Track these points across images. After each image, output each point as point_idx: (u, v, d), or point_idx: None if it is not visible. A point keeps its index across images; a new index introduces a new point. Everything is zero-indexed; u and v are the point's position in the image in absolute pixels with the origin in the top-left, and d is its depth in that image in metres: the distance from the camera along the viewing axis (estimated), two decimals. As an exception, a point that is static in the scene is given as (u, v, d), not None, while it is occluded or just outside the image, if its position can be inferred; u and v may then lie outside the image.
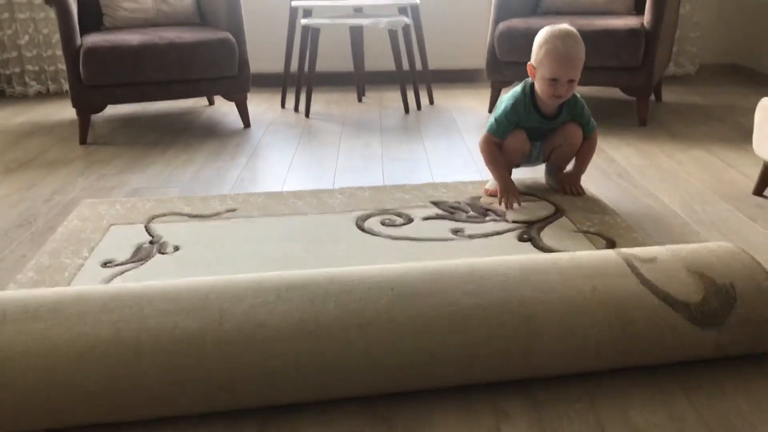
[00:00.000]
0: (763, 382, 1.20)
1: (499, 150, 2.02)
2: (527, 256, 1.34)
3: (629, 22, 2.83)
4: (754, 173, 2.14)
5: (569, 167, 2.14)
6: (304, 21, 3.18)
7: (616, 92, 3.48)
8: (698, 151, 2.55)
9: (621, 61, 2.80)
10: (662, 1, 2.76)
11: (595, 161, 2.44)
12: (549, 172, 2.16)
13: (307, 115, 3.19)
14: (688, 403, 1.15)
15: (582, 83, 3.16)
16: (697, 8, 3.79)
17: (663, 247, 1.34)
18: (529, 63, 1.95)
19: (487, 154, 2.03)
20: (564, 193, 2.09)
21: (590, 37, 2.82)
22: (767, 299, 1.23)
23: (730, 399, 1.16)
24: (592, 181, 2.22)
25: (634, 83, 2.86)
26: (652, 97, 3.31)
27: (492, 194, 2.07)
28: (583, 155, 2.09)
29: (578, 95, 2.03)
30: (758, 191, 2.08)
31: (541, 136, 2.05)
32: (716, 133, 2.79)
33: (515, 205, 1.96)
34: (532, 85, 1.98)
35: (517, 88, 2.01)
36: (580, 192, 2.08)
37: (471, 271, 1.25)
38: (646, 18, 2.81)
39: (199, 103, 3.49)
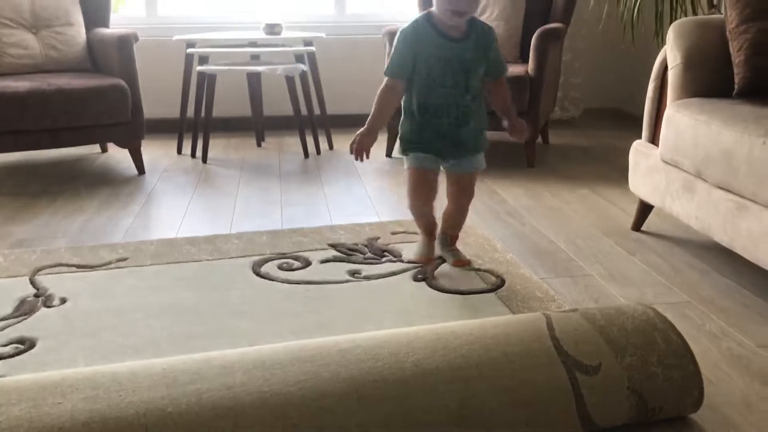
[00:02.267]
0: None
1: (394, 101, 1.76)
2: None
3: (515, 69, 2.98)
4: (633, 210, 2.28)
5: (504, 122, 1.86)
6: (199, 68, 3.17)
7: (504, 136, 3.63)
8: (583, 189, 2.69)
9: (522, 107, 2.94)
10: (545, 50, 2.94)
11: (486, 202, 2.54)
12: (443, 247, 1.94)
13: (204, 160, 3.16)
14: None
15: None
16: (578, 56, 4.03)
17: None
18: None
19: (378, 99, 1.75)
20: (520, 136, 1.86)
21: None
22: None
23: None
24: (483, 221, 2.31)
25: (521, 127, 3.00)
26: (540, 140, 3.47)
27: (417, 262, 1.91)
28: (506, 105, 1.83)
29: (491, 26, 1.79)
30: (636, 227, 2.21)
31: (451, 79, 1.70)
32: (599, 172, 2.96)
33: (363, 158, 1.78)
34: (429, 13, 1.71)
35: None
36: (526, 128, 1.87)
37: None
38: (530, 66, 2.98)
39: (92, 150, 3.39)
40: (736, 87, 1.85)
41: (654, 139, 2.06)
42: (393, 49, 1.72)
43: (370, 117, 1.77)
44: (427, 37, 1.68)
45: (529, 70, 2.97)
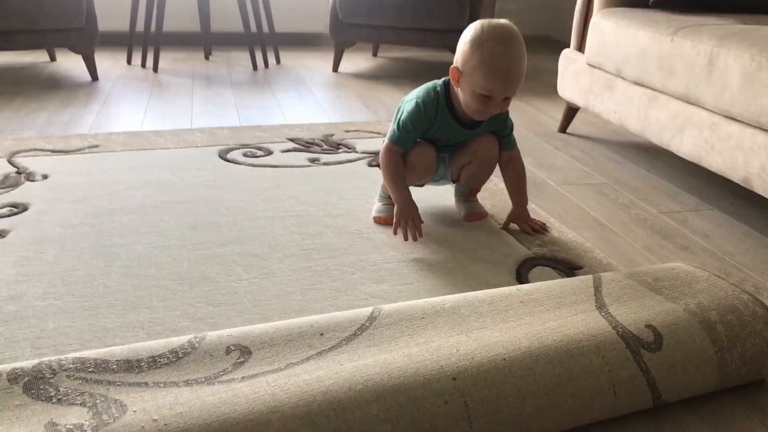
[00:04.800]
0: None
1: (402, 164, 1.54)
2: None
3: (456, -11, 3.19)
4: (560, 116, 2.54)
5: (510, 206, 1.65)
6: (150, -23, 3.23)
7: (445, 56, 3.84)
8: (516, 102, 2.94)
9: (450, 24, 3.14)
10: (484, -28, 3.14)
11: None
12: (459, 196, 1.71)
13: (155, 70, 3.25)
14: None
15: (416, 45, 3.49)
16: (514, -15, 4.26)
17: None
18: (453, 66, 1.44)
19: (388, 168, 1.52)
20: (528, 234, 1.58)
21: (424, 3, 3.14)
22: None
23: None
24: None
25: (461, 44, 3.22)
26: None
27: (382, 222, 1.62)
28: (517, 182, 1.61)
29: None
30: (562, 129, 2.48)
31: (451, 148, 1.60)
32: (531, 88, 3.21)
33: (417, 236, 1.49)
34: (447, 84, 1.51)
35: (426, 87, 1.53)
36: (542, 228, 1.60)
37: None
38: (471, -14, 3.17)
39: (39, 59, 3.41)
40: (652, -3, 2.11)
41: (581, 47, 2.31)
42: (405, 119, 1.50)
43: (391, 191, 1.54)
44: (444, 122, 1.51)
45: (469, -10, 3.17)
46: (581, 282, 1.18)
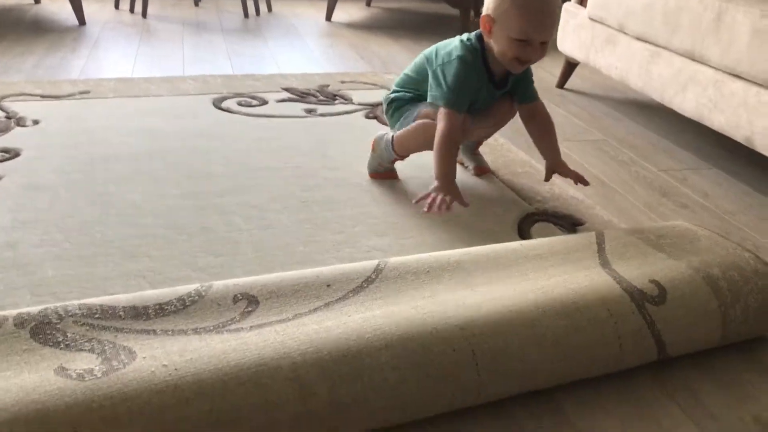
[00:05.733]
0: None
1: (461, 136, 1.42)
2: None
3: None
4: (559, 72, 2.51)
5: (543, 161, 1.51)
6: None
7: (441, 7, 3.78)
8: (512, 56, 2.90)
9: (447, -26, 3.08)
10: None
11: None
12: (466, 151, 1.67)
13: (144, 15, 3.16)
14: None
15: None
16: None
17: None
18: (484, 14, 1.34)
19: (445, 140, 1.36)
20: (575, 180, 1.44)
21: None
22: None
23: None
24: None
25: (458, -5, 3.16)
26: (473, 14, 3.63)
27: (378, 178, 1.57)
28: (547, 132, 1.49)
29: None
30: (560, 84, 2.45)
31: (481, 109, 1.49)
32: (526, 43, 3.17)
33: (458, 204, 1.33)
34: (480, 38, 1.39)
35: (458, 43, 1.41)
36: (580, 179, 1.44)
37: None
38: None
39: (22, 1, 3.31)
40: (658, -49, 2.06)
41: (582, 1, 2.27)
42: (453, 80, 1.37)
43: (440, 164, 1.36)
44: (482, 81, 1.41)
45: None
46: (584, 239, 1.17)
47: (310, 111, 2.03)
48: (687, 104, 1.77)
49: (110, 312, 0.87)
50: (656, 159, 1.84)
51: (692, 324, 1.01)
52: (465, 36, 1.42)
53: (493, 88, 1.44)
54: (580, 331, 0.94)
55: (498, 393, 0.90)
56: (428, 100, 1.45)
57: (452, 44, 1.42)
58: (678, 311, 1.00)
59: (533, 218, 1.44)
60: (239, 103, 2.05)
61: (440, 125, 1.37)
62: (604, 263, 1.09)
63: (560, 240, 1.18)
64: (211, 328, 0.86)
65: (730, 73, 1.64)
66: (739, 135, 1.62)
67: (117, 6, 3.34)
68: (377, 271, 1.01)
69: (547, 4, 1.31)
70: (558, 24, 1.32)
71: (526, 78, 1.48)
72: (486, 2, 1.35)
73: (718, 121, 1.67)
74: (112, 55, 2.53)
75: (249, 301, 0.91)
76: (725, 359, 1.06)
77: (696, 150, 1.92)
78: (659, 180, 1.71)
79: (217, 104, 2.02)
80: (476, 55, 1.39)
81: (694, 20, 1.71)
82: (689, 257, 1.11)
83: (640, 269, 1.07)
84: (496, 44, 1.35)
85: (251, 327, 0.86)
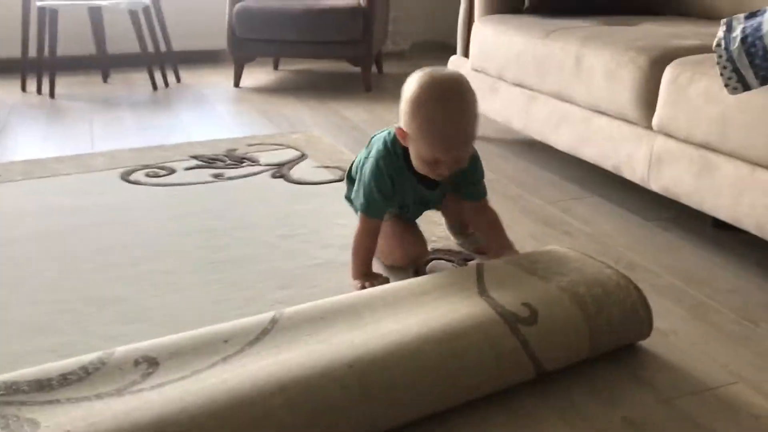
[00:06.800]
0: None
1: (376, 233, 1.40)
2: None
3: (349, 2, 3.29)
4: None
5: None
6: (39, 3, 3.18)
7: (343, 67, 3.94)
8: (413, 107, 3.06)
9: (346, 35, 3.24)
10: (374, -17, 3.25)
11: (331, 119, 2.84)
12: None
13: (51, 95, 3.20)
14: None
15: (314, 57, 3.56)
16: (407, -7, 4.41)
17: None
18: (397, 127, 1.31)
19: (355, 245, 1.40)
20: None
21: (319, 16, 3.23)
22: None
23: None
24: (330, 133, 2.61)
25: (357, 54, 3.32)
26: (375, 70, 3.81)
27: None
28: (494, 227, 1.47)
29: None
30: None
31: (421, 211, 1.51)
32: (427, 93, 3.35)
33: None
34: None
35: (378, 142, 1.39)
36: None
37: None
38: (363, -3, 3.28)
39: (-75, 91, 3.31)
40: (526, 3, 2.26)
41: (466, 53, 2.44)
42: (368, 183, 1.36)
43: (353, 272, 1.41)
44: (406, 182, 1.38)
45: (361, 2, 3.27)
46: (466, 272, 1.28)
47: (217, 176, 2.11)
48: (562, 140, 1.94)
49: (14, 387, 0.92)
50: (543, 192, 1.99)
51: (563, 340, 1.13)
52: (387, 135, 1.37)
53: (424, 189, 1.40)
54: (459, 355, 1.04)
55: (390, 423, 0.99)
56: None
57: (380, 140, 1.38)
58: (549, 329, 1.12)
59: (429, 258, 1.55)
60: (147, 174, 2.11)
61: (355, 234, 1.40)
62: (482, 291, 1.19)
63: (445, 274, 1.29)
64: (114, 392, 0.92)
65: (594, 110, 1.81)
66: (608, 164, 1.78)
67: (24, 88, 3.36)
68: (273, 321, 1.09)
69: (458, 125, 1.24)
70: (476, 133, 1.30)
71: (471, 178, 1.42)
72: (400, 111, 1.30)
73: (590, 153, 1.84)
74: (21, 138, 2.56)
75: (149, 363, 0.97)
76: (598, 369, 1.18)
77: (578, 181, 2.08)
78: (544, 211, 1.85)
79: (125, 177, 2.08)
80: (396, 157, 1.35)
81: (558, 65, 1.89)
82: (558, 278, 1.23)
83: (514, 294, 1.18)
84: (412, 157, 1.32)
85: (152, 387, 0.93)
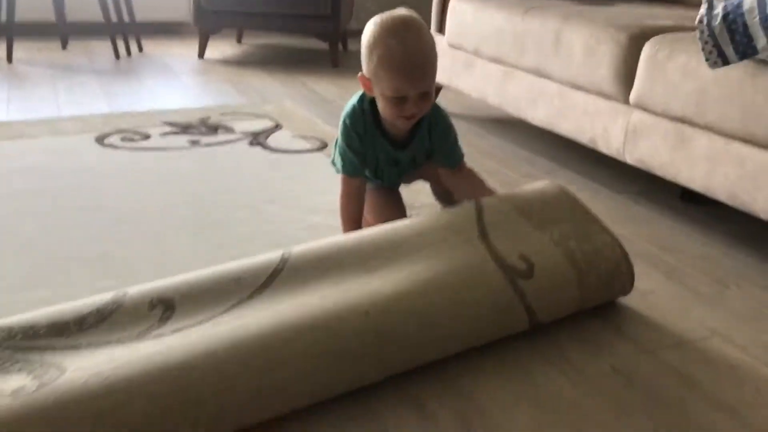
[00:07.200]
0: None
1: (359, 195, 1.42)
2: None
3: (318, -24, 3.29)
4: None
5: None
6: (-3, -37, 3.07)
7: (308, 43, 3.94)
8: (382, 84, 3.09)
9: (315, 10, 3.24)
10: (344, -41, 3.26)
11: (302, 92, 2.85)
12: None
13: (9, 60, 3.10)
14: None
15: (281, 31, 3.54)
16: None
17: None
18: (360, 74, 1.31)
19: (341, 210, 1.42)
20: None
21: (288, -13, 3.22)
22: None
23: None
24: (302, 106, 2.61)
25: (326, 29, 3.32)
26: (340, 48, 3.81)
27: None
28: (478, 188, 1.44)
29: (440, 106, 1.41)
30: (428, 107, 2.65)
31: (396, 175, 1.48)
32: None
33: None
34: (371, 98, 1.34)
35: (351, 101, 1.38)
36: None
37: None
38: (332, -27, 3.28)
39: None
40: (503, -18, 2.32)
41: (441, 29, 2.48)
42: (341, 142, 1.39)
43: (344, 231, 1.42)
44: (372, 140, 1.38)
45: (331, -23, 3.28)
46: (465, 210, 1.28)
47: (194, 142, 2.10)
48: (538, 115, 2.00)
49: (31, 332, 0.92)
50: (517, 166, 2.05)
51: (556, 293, 1.18)
52: (360, 94, 1.37)
53: (392, 149, 1.39)
54: (467, 304, 1.08)
55: (395, 369, 1.02)
56: None
57: (347, 105, 1.39)
58: (544, 283, 1.17)
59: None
60: (122, 139, 2.09)
61: (341, 189, 1.42)
62: (483, 234, 1.22)
63: (444, 213, 1.30)
64: (134, 336, 0.93)
65: (571, 86, 1.87)
66: (584, 138, 1.85)
67: (-22, 52, 3.24)
68: (283, 261, 1.10)
69: (416, 55, 1.24)
70: (436, 69, 1.28)
71: (444, 144, 1.42)
72: (361, 60, 1.31)
73: (566, 128, 1.90)
74: (-19, 100, 2.49)
75: (166, 306, 0.98)
76: (586, 322, 1.24)
77: (551, 156, 2.15)
78: (520, 183, 1.91)
79: (100, 141, 2.05)
80: (362, 113, 1.35)
81: (537, 41, 1.95)
82: (551, 228, 1.26)
83: (512, 243, 1.20)
84: (378, 103, 1.32)
85: (172, 332, 0.94)
